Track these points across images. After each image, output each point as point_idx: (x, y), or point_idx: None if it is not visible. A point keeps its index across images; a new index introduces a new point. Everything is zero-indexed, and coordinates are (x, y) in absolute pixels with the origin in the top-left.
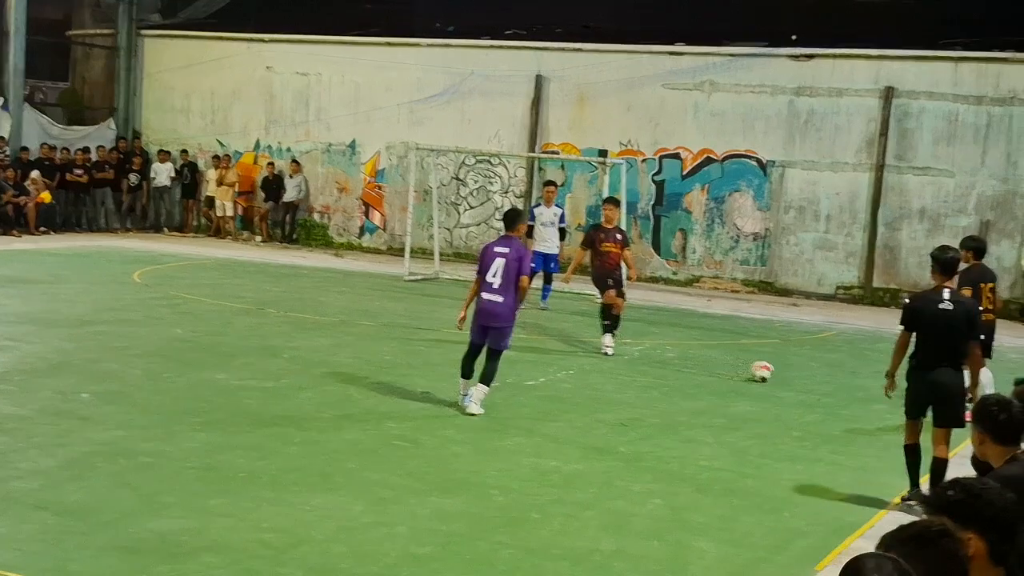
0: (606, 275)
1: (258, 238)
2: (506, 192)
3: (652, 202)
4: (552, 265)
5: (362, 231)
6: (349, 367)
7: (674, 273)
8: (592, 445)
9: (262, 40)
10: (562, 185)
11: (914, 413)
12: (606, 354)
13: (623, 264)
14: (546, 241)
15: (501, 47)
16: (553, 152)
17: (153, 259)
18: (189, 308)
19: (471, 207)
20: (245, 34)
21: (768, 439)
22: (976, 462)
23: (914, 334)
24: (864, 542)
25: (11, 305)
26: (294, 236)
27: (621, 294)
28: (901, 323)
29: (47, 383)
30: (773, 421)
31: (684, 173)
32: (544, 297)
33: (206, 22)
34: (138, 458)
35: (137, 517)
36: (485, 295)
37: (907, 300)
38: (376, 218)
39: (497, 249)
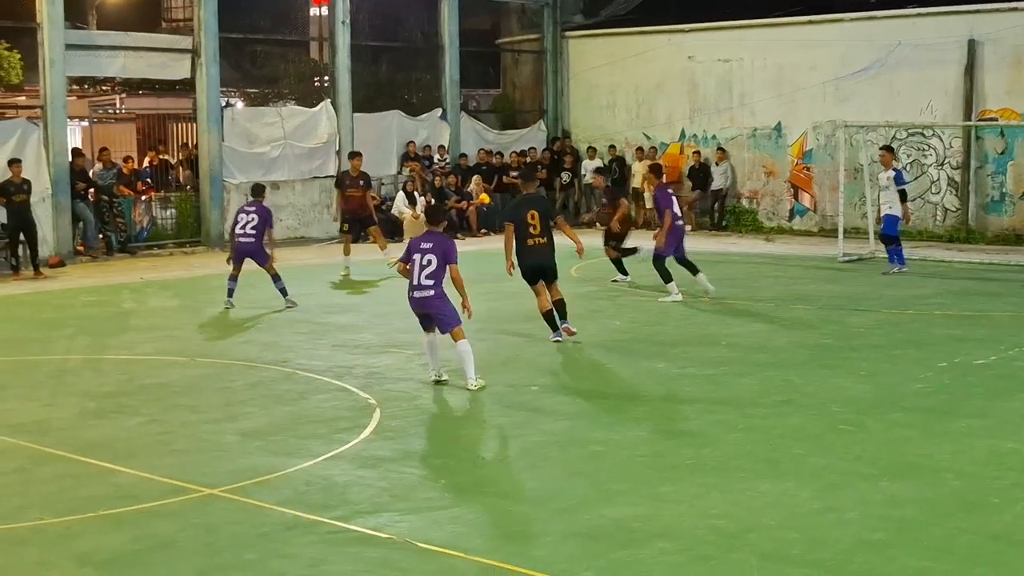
0: None
1: (688, 227)
2: (941, 164)
3: None
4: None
5: (792, 214)
6: (787, 352)
7: None
8: None
9: (683, 31)
10: (1002, 153)
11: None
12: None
13: None
14: (885, 203)
15: (929, 14)
16: (992, 119)
17: (587, 254)
18: (626, 300)
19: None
20: (666, 26)
21: None
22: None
23: None
24: None
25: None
26: (723, 223)
27: None
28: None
29: (499, 378)
30: None
31: None
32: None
33: (627, 18)
34: (589, 447)
35: (593, 504)
36: None
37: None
38: (806, 200)
39: None
